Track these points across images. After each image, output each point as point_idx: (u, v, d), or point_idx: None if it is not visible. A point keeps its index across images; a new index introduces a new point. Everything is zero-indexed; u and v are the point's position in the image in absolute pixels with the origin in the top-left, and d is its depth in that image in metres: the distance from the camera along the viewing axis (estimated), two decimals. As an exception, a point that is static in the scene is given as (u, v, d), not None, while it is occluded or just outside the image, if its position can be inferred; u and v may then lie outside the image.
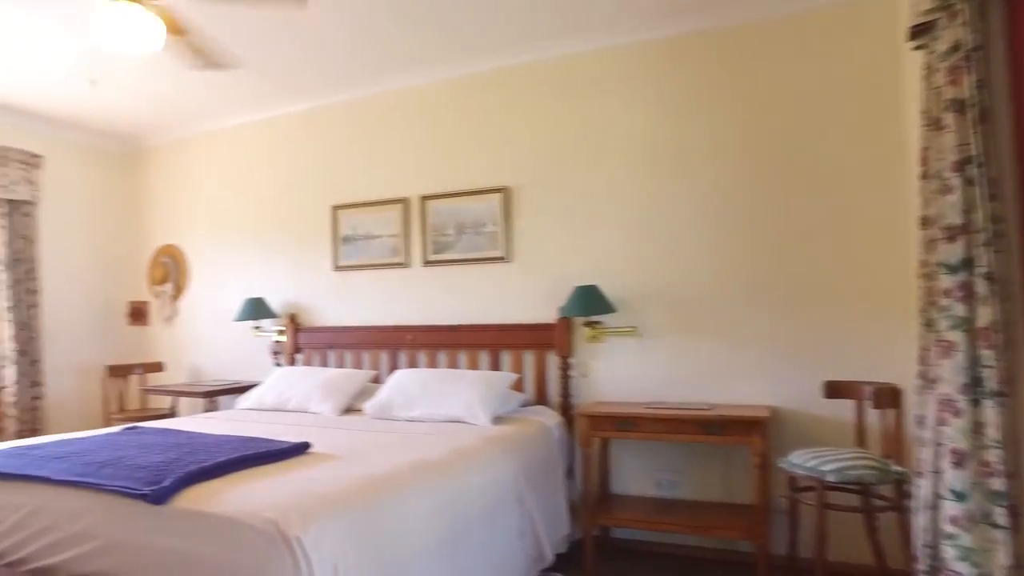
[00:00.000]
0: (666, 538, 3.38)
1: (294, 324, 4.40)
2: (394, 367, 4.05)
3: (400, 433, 2.93)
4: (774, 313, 3.24)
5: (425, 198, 4.07)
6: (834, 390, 3.00)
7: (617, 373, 3.55)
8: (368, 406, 3.42)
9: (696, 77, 3.41)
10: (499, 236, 3.85)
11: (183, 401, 4.70)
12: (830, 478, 2.50)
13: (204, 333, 4.95)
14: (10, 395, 4.47)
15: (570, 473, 3.45)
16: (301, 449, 2.38)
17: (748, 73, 3.31)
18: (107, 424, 4.50)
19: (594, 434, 3.15)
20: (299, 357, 4.42)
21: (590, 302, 3.38)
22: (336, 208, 4.37)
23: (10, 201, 4.62)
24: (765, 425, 2.84)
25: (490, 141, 3.93)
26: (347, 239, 4.33)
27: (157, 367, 4.93)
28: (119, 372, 4.68)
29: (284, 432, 2.93)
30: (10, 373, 4.52)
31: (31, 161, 4.73)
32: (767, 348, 3.25)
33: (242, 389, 4.27)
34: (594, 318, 3.51)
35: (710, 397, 3.33)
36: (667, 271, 3.46)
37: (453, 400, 3.25)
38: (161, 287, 5.09)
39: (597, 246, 3.63)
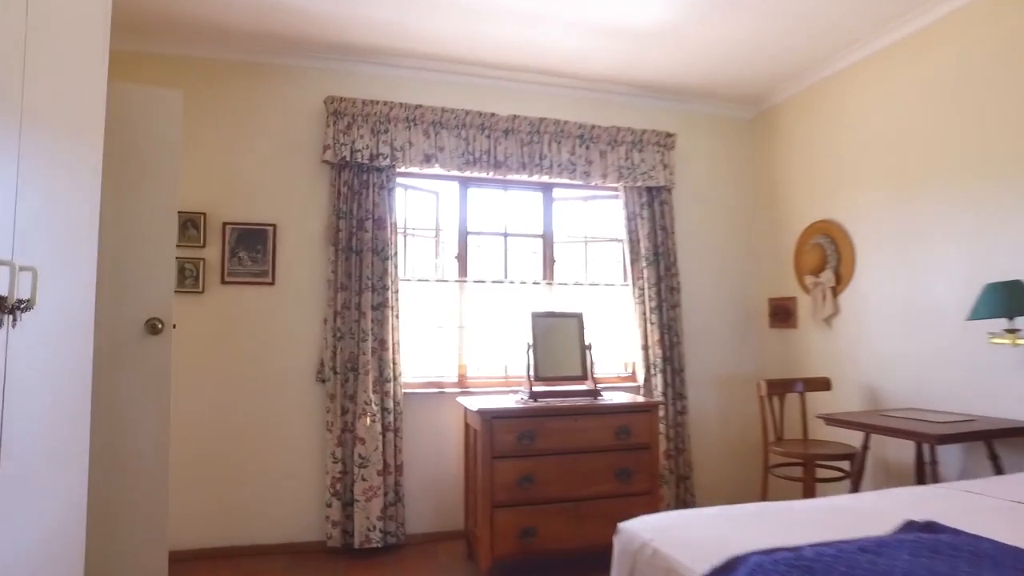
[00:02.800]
0: None
1: (1095, 325, 2.50)
2: None
3: None
4: None
5: None
6: None
7: None
8: None
9: None
10: None
11: (872, 439, 3.32)
12: None
13: (880, 338, 3.48)
14: (660, 409, 3.91)
15: None
16: None
17: None
18: (765, 459, 3.49)
19: None
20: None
21: None
22: None
23: (649, 189, 4.12)
24: None
25: None
26: None
27: (822, 384, 3.67)
28: (777, 389, 3.61)
29: None
30: (658, 383, 3.97)
31: (665, 142, 4.15)
32: None
33: (995, 434, 2.60)
34: None
35: None
36: None
37: None
38: (816, 277, 3.86)
39: None
